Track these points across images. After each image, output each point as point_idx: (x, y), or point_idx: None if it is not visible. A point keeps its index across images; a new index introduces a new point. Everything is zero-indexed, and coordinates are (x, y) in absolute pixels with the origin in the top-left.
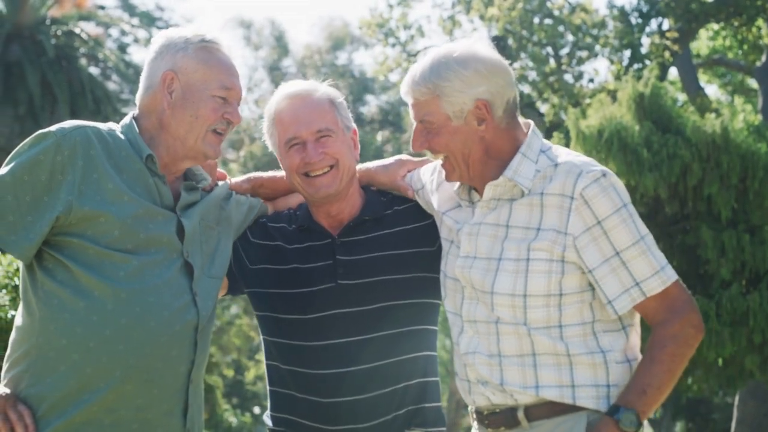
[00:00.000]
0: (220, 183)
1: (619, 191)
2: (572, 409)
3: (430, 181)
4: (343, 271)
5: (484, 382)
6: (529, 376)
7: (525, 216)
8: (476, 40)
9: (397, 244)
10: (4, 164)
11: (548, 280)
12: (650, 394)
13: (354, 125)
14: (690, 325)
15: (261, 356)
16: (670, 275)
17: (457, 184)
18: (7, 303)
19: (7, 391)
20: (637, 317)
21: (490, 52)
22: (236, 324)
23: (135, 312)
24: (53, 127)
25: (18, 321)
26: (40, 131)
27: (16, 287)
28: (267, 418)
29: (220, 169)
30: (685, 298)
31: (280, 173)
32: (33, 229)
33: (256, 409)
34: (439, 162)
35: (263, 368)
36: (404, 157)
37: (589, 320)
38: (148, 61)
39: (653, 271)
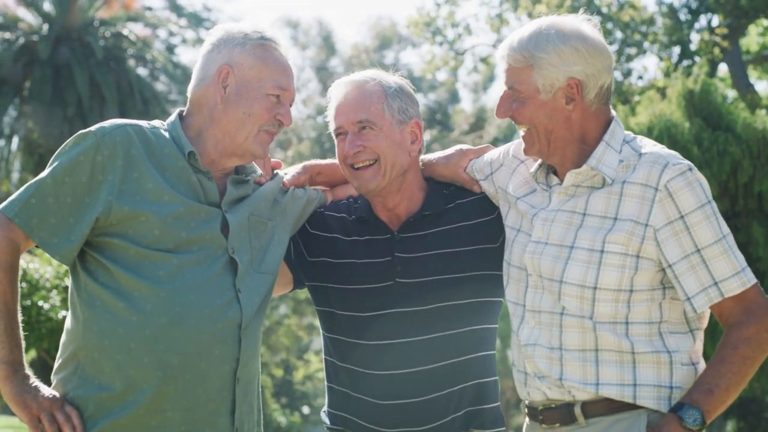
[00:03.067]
0: (276, 172)
1: (705, 187)
2: (631, 407)
3: (507, 165)
4: (402, 269)
5: (541, 376)
6: (589, 373)
7: (602, 204)
8: (583, 19)
9: (457, 242)
10: (47, 165)
11: (620, 274)
12: (717, 395)
13: (416, 117)
14: (765, 329)
15: (309, 356)
16: (750, 278)
17: (535, 166)
18: (58, 303)
19: (55, 393)
20: (705, 322)
21: (594, 33)
22: (285, 324)
23: (175, 311)
24: (93, 127)
25: (67, 323)
26: (81, 131)
27: (66, 288)
28: (324, 415)
29: (274, 159)
30: (762, 302)
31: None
32: (74, 230)
33: (305, 409)
34: (505, 147)
35: (312, 368)
36: (464, 146)
37: (656, 320)
38: (203, 53)
39: (734, 272)
